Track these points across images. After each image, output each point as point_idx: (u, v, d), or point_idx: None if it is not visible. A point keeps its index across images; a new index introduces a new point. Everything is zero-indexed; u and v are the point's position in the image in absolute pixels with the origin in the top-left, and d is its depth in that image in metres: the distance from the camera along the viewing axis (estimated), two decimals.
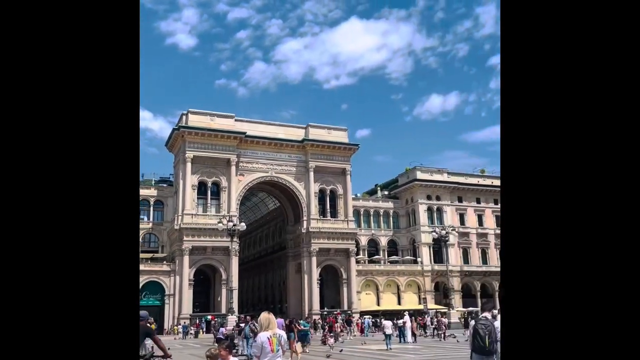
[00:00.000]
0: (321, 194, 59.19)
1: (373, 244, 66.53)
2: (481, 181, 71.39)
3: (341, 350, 24.68)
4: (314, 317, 50.25)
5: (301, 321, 30.30)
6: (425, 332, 39.75)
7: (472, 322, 7.88)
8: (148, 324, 10.32)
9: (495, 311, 9.67)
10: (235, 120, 57.02)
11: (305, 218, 57.68)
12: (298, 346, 22.99)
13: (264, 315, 7.08)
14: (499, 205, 69.90)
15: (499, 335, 7.45)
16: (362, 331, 43.17)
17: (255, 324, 22.43)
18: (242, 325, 24.56)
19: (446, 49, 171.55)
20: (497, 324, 7.66)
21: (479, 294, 65.44)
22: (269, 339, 6.78)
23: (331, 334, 31.77)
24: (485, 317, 7.81)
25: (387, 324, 28.52)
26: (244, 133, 55.63)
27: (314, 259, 56.24)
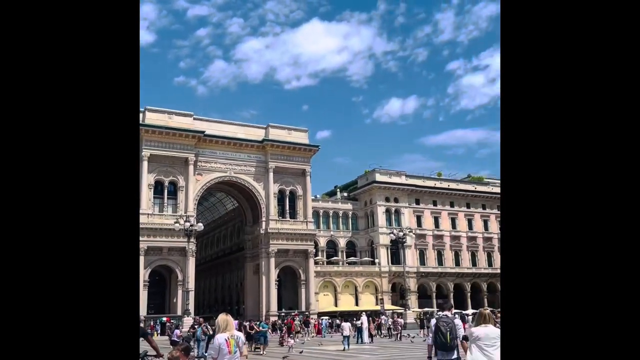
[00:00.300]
0: (280, 195, 58.98)
1: (332, 245, 66.82)
2: (438, 184, 72.87)
3: (301, 352, 24.64)
4: (272, 318, 49.99)
5: (259, 322, 30.10)
6: (382, 333, 40.20)
7: (434, 321, 8.18)
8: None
9: (454, 310, 10.28)
10: (194, 119, 56.10)
11: (264, 219, 57.34)
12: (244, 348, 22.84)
13: (222, 317, 6.97)
14: (454, 208, 71.72)
15: (459, 332, 7.86)
16: (319, 332, 43.24)
17: (208, 326, 22.15)
18: (196, 327, 24.20)
19: (406, 54, 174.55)
20: (457, 321, 8.06)
21: (434, 294, 66.76)
22: (226, 340, 6.68)
23: (290, 335, 31.68)
24: (446, 315, 8.16)
25: (346, 325, 28.75)
26: (203, 132, 54.79)
27: (273, 260, 55.98)
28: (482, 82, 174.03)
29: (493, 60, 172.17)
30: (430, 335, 8.34)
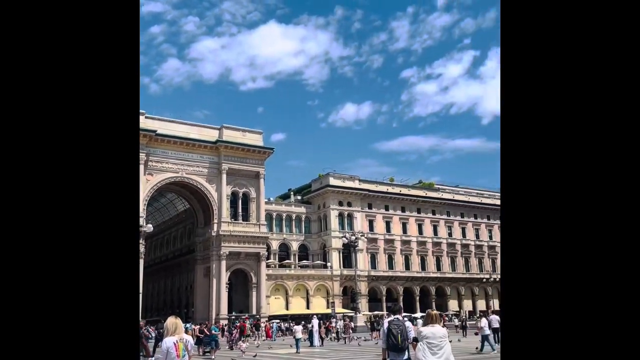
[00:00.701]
0: (233, 197, 58.37)
1: (284, 248, 66.68)
2: (390, 189, 74.11)
3: (255, 355, 24.43)
4: (222, 321, 49.33)
5: (211, 326, 29.65)
6: (332, 336, 40.44)
7: (386, 324, 8.55)
8: None
9: (404, 313, 10.64)
10: (146, 117, 54.71)
11: (216, 221, 56.57)
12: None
13: (171, 320, 6.86)
14: (405, 213, 73.10)
15: (409, 334, 8.27)
16: (269, 335, 43.05)
17: (150, 329, 21.65)
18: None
19: (362, 59, 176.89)
20: (408, 324, 8.47)
21: (384, 297, 67.77)
22: (175, 344, 6.58)
23: (243, 339, 31.32)
24: (397, 318, 8.55)
25: (298, 328, 28.88)
26: (154, 131, 53.53)
27: (224, 263, 55.28)
28: (434, 90, 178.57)
29: (446, 69, 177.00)
30: (383, 337, 8.62)
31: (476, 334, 27.80)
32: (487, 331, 21.73)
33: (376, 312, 59.22)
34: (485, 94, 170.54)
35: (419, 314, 57.49)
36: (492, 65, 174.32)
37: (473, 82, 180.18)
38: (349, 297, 65.90)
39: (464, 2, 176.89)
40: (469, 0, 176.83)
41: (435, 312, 7.76)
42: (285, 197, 76.24)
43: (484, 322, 22.60)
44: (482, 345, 21.64)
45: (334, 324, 43.04)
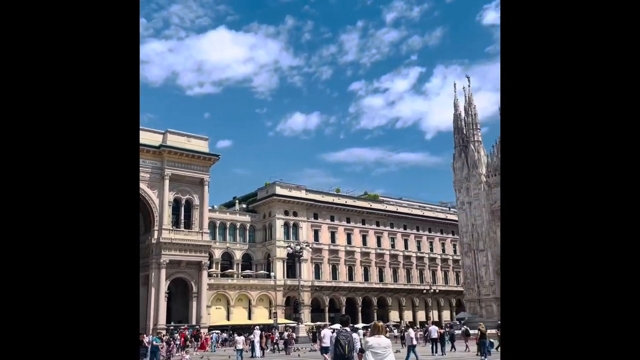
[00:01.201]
0: (176, 204, 56.82)
1: (227, 258, 65.48)
2: (336, 200, 74.53)
3: None
4: (160, 332, 47.59)
5: (152, 337, 28.49)
6: (273, 346, 39.90)
7: (335, 335, 9.09)
8: None
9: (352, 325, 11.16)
10: None
11: (156, 228, 54.80)
12: None
13: None
14: (350, 224, 73.65)
15: (356, 345, 8.90)
16: (202, 347, 41.92)
17: None
18: None
19: (311, 70, 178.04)
20: (355, 335, 9.10)
21: (327, 308, 67.76)
22: None
23: (185, 350, 30.25)
24: (345, 329, 9.16)
25: (239, 339, 28.46)
26: None
27: (164, 272, 53.54)
28: (381, 104, 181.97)
29: (393, 84, 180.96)
30: (331, 347, 9.24)
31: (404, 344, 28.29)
32: (414, 342, 22.85)
33: (318, 323, 59.08)
34: (430, 110, 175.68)
35: (360, 325, 57.79)
36: (437, 82, 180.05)
37: (418, 98, 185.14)
38: (292, 307, 65.41)
39: (412, 19, 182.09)
40: (417, 18, 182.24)
41: (380, 323, 8.23)
42: (230, 205, 75.02)
43: (411, 332, 23.78)
44: (408, 356, 22.09)
45: (276, 335, 42.50)
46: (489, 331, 34.02)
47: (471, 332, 35.00)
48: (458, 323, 48.64)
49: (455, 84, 61.02)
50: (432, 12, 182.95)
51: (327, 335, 16.83)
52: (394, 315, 74.01)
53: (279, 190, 68.27)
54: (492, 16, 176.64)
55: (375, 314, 70.28)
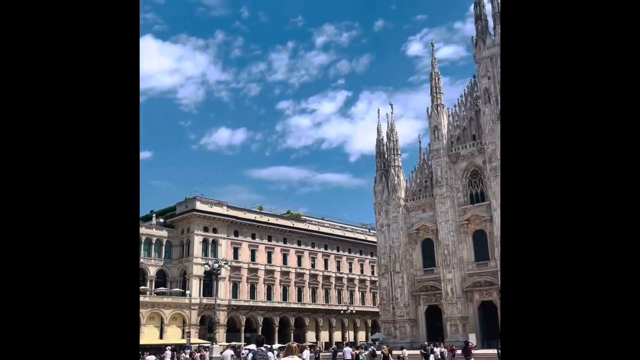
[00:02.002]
0: None
1: (140, 274, 62.53)
2: (258, 217, 73.81)
3: None
4: None
5: None
6: None
7: (251, 355, 9.67)
8: None
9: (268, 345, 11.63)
10: None
11: None
12: None
13: None
14: (271, 242, 73.11)
15: None
16: None
17: None
18: None
19: (239, 86, 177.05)
20: (270, 354, 9.47)
21: (243, 328, 66.41)
22: None
23: None
24: (261, 349, 9.68)
25: (150, 358, 27.51)
26: None
27: None
28: (308, 124, 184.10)
29: (320, 105, 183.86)
30: None
31: None
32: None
33: (233, 343, 57.67)
34: (355, 133, 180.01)
35: (277, 345, 57.10)
36: (363, 106, 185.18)
37: (344, 121, 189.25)
38: (207, 327, 63.42)
39: (341, 45, 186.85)
40: (346, 44, 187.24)
41: (294, 344, 8.68)
42: (146, 218, 71.97)
43: (305, 354, 24.57)
44: None
45: (182, 355, 40.94)
46: (408, 352, 34.83)
47: (377, 352, 35.67)
48: (372, 344, 49.36)
49: (379, 110, 63.08)
50: (361, 39, 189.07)
51: (227, 356, 17.17)
52: (310, 336, 73.86)
53: (199, 206, 66.55)
54: (416, 47, 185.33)
55: (292, 334, 69.77)
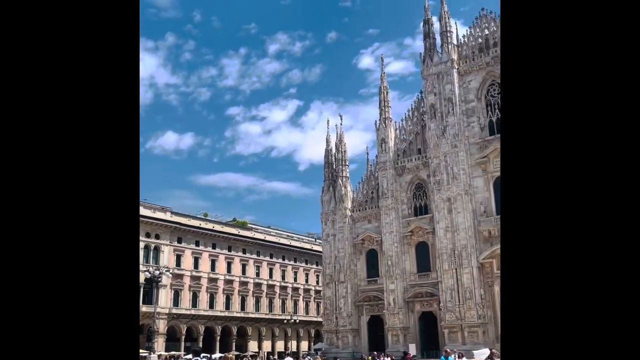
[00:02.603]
0: None
1: None
2: (203, 224, 72.45)
3: None
4: None
5: None
6: None
7: None
8: None
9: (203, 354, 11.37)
10: None
11: None
12: None
13: None
14: (216, 250, 71.87)
15: None
16: None
17: None
18: None
19: (189, 90, 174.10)
20: None
21: (183, 337, 64.70)
22: None
23: None
24: (197, 359, 9.62)
25: None
26: None
27: None
28: (258, 131, 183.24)
29: (270, 113, 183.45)
30: None
31: None
32: None
33: (172, 353, 56.09)
34: (305, 143, 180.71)
35: (217, 355, 56.01)
36: (314, 116, 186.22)
37: (294, 130, 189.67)
38: (145, 336, 61.38)
39: (294, 54, 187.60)
40: (299, 54, 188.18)
41: (231, 355, 8.30)
42: None
43: None
44: None
45: None
46: None
47: None
48: (315, 354, 49.32)
49: (328, 121, 63.63)
50: (313, 49, 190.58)
51: None
52: (253, 346, 72.93)
53: (142, 211, 64.52)
54: (367, 61, 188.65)
55: (234, 344, 68.65)
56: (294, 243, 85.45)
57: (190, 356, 48.78)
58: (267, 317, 76.30)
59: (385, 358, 34.45)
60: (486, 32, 51.25)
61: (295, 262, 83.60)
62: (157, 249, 65.33)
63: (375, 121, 57.01)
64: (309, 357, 39.22)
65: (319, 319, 72.95)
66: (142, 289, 61.98)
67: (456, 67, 51.12)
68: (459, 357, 22.90)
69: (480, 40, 51.40)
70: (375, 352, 39.79)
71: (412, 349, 45.10)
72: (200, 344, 64.79)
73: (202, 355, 50.41)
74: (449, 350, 26.02)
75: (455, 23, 54.05)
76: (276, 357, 61.14)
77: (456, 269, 46.41)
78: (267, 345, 75.58)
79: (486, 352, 25.59)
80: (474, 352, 34.95)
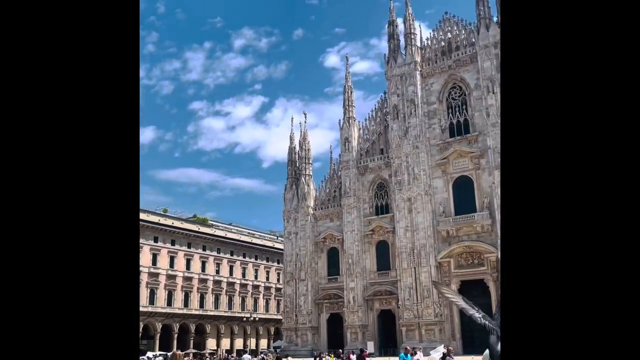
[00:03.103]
0: None
1: None
2: (162, 220, 71.12)
3: None
4: None
5: None
6: None
7: None
8: None
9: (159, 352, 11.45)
10: None
11: None
12: None
13: None
14: (175, 246, 70.69)
15: None
16: None
17: None
18: None
19: (151, 83, 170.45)
20: None
21: (140, 335, 63.41)
22: None
23: None
24: (148, 357, 9.80)
25: None
26: None
27: None
28: (222, 127, 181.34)
29: (235, 108, 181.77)
30: None
31: None
32: None
33: None
34: (269, 139, 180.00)
35: (157, 352, 55.15)
36: (278, 113, 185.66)
37: (259, 126, 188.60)
38: None
39: (260, 50, 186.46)
40: (264, 50, 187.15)
41: (179, 352, 8.42)
42: None
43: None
44: None
45: None
46: None
47: None
48: (274, 351, 49.20)
49: (292, 118, 63.76)
50: (280, 45, 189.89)
51: None
52: (211, 344, 72.13)
53: None
54: (333, 59, 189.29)
55: (192, 342, 67.74)
56: (255, 240, 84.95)
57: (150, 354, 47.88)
58: (226, 314, 75.60)
59: (352, 356, 34.66)
60: (449, 35, 52.22)
61: (256, 259, 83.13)
62: None
63: (339, 120, 57.31)
64: (262, 354, 39.18)
65: (279, 317, 72.83)
66: None
67: (419, 69, 51.90)
68: (412, 354, 23.28)
69: (443, 43, 52.32)
70: (322, 352, 39.64)
71: (371, 347, 45.59)
72: (157, 342, 63.63)
73: (153, 354, 49.37)
74: (408, 348, 26.41)
75: (420, 25, 54.88)
76: (234, 354, 60.61)
77: (415, 267, 47.18)
78: (225, 343, 74.88)
79: (441, 349, 26.12)
80: (430, 351, 35.65)
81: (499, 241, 43.45)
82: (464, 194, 47.27)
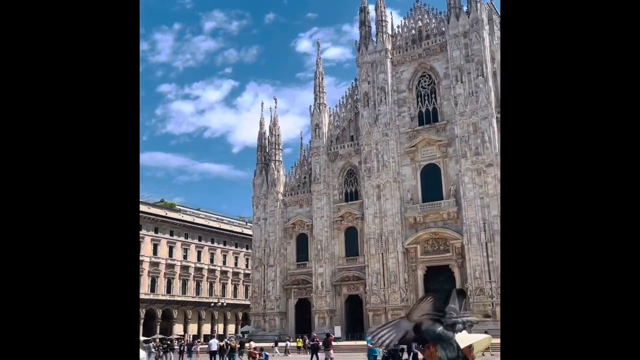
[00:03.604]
0: None
1: None
2: None
3: None
4: None
5: None
6: None
7: None
8: None
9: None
10: None
11: None
12: None
13: None
14: (142, 232, 69.66)
15: None
16: None
17: None
18: None
19: None
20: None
21: None
22: None
23: None
24: None
25: None
26: None
27: None
28: (191, 110, 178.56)
29: (204, 92, 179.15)
30: None
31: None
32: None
33: None
34: (239, 124, 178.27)
35: (141, 338, 54.70)
36: (249, 98, 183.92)
37: (229, 111, 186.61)
38: None
39: (230, 33, 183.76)
40: (235, 33, 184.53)
41: (141, 338, 8.31)
42: None
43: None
44: None
45: None
46: (255, 344, 35.28)
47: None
48: (242, 336, 49.37)
49: (262, 103, 63.08)
50: (251, 29, 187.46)
51: None
52: (178, 329, 71.77)
53: None
54: (305, 45, 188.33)
55: (159, 327, 67.24)
56: (223, 226, 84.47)
57: None
58: (194, 300, 75.24)
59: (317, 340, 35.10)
60: (420, 23, 52.59)
61: (224, 245, 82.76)
62: None
63: (310, 106, 57.20)
64: (226, 340, 39.37)
65: (247, 302, 72.91)
66: None
67: (390, 57, 52.16)
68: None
69: (413, 31, 52.68)
70: (288, 336, 40.02)
71: (338, 331, 46.26)
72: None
73: None
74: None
75: (391, 13, 55.16)
76: (202, 339, 60.51)
77: (382, 253, 47.90)
78: (193, 329, 74.64)
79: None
80: None
81: (464, 228, 44.48)
82: (431, 182, 48.09)
